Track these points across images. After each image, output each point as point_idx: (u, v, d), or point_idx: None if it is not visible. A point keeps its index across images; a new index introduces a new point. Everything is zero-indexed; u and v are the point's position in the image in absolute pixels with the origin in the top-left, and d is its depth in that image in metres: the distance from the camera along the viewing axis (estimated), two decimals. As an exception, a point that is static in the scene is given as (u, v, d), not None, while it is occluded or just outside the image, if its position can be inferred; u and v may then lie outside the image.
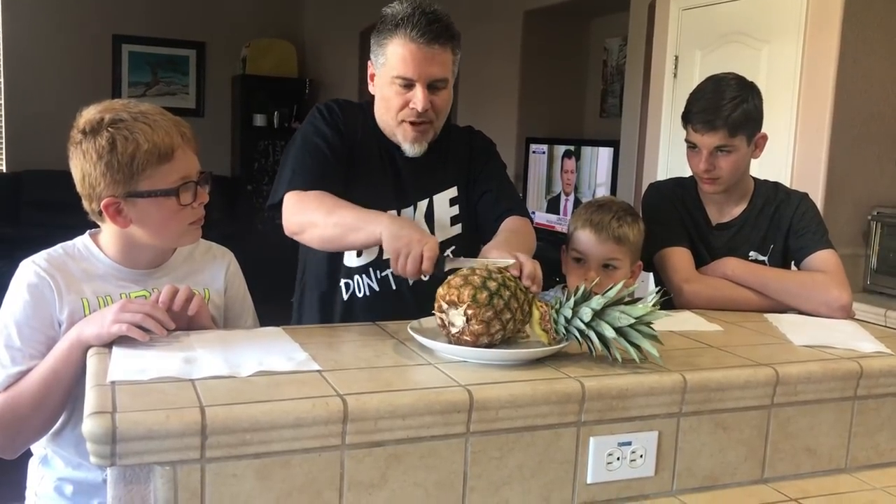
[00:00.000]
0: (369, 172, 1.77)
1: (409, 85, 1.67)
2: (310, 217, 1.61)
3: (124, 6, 6.77)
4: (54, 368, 1.35)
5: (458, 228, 1.82)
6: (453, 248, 1.80)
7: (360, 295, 1.78)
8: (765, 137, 1.96)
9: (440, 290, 1.30)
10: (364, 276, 1.77)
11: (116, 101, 1.44)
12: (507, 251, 1.42)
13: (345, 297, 1.79)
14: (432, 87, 1.68)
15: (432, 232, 1.79)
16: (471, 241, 1.83)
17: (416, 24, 1.63)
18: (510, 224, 1.75)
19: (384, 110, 1.75)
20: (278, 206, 1.68)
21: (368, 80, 1.78)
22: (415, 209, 1.79)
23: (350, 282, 1.78)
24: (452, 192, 1.82)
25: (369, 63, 1.76)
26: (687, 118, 1.93)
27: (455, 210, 1.82)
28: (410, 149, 1.75)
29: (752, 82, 1.94)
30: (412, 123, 1.71)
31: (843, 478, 1.40)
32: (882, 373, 1.42)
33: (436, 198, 1.81)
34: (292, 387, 1.10)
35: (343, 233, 1.56)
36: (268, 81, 7.03)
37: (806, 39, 3.11)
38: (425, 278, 1.42)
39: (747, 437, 1.33)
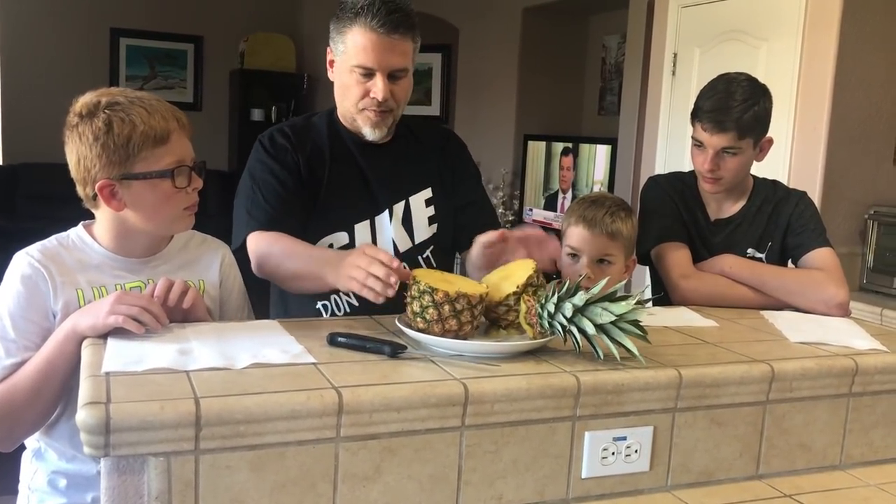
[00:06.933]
0: (339, 185, 1.75)
1: (368, 74, 1.66)
2: (269, 264, 1.62)
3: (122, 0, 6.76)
4: (49, 359, 1.34)
5: (434, 228, 1.81)
6: (431, 248, 1.80)
7: (340, 313, 1.75)
8: (770, 141, 1.95)
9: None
10: (342, 293, 1.74)
11: (113, 88, 1.45)
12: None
13: (325, 317, 1.74)
14: (392, 76, 1.67)
15: (411, 235, 1.78)
16: (445, 241, 1.82)
17: (377, 13, 1.61)
18: None
19: (343, 98, 1.73)
20: (242, 248, 1.67)
21: (327, 67, 1.77)
22: (391, 214, 1.77)
23: (328, 303, 1.75)
24: (427, 192, 1.81)
25: (328, 49, 1.74)
26: (696, 116, 1.91)
27: (431, 210, 1.81)
28: (371, 133, 1.73)
29: (763, 84, 1.92)
30: (372, 111, 1.69)
31: (838, 474, 1.40)
32: (877, 370, 1.42)
33: (411, 199, 1.79)
34: (287, 379, 1.10)
35: (298, 283, 1.59)
36: (266, 76, 7.02)
37: (804, 38, 3.12)
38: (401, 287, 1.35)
39: (742, 433, 1.33)
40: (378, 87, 1.65)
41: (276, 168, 1.71)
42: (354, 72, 1.66)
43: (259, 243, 1.64)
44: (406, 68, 1.69)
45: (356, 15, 1.63)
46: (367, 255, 1.36)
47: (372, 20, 1.61)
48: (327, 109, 1.83)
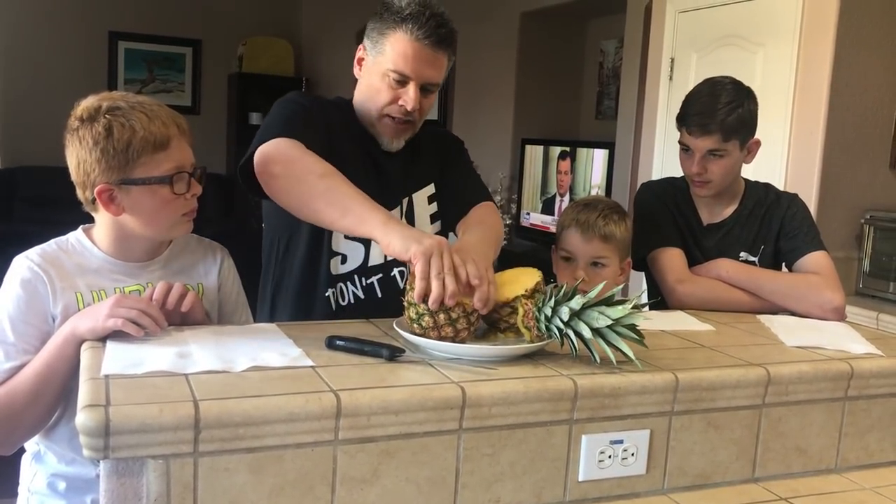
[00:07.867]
0: (350, 171, 1.69)
1: (402, 81, 1.63)
2: (302, 165, 1.47)
3: (121, 3, 6.77)
4: (48, 362, 1.35)
5: (437, 226, 1.80)
6: None
7: (343, 303, 1.72)
8: (758, 143, 1.97)
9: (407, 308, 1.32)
10: (349, 283, 1.72)
11: (115, 93, 1.45)
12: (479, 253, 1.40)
13: (332, 307, 1.72)
14: (424, 89, 1.65)
15: None
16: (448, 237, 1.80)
17: (426, 23, 1.59)
18: (476, 214, 1.73)
19: (368, 99, 1.69)
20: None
21: (355, 64, 1.72)
22: (401, 210, 1.76)
23: (335, 290, 1.72)
24: (430, 189, 1.81)
25: (360, 46, 1.70)
26: (681, 120, 1.93)
27: (434, 207, 1.81)
28: (388, 143, 1.72)
29: (748, 87, 1.94)
30: (394, 120, 1.67)
31: (833, 478, 1.41)
32: (872, 374, 1.43)
33: (415, 196, 1.78)
34: (286, 382, 1.11)
35: (329, 208, 1.42)
36: (264, 80, 7.02)
37: (801, 43, 3.13)
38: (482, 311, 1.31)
39: (738, 437, 1.34)
40: (409, 95, 1.63)
41: (309, 106, 1.66)
42: (388, 76, 1.63)
43: (289, 144, 1.49)
44: (438, 84, 1.67)
45: (403, 20, 1.59)
46: (472, 262, 1.30)
47: (419, 29, 1.59)
48: (345, 100, 1.78)
